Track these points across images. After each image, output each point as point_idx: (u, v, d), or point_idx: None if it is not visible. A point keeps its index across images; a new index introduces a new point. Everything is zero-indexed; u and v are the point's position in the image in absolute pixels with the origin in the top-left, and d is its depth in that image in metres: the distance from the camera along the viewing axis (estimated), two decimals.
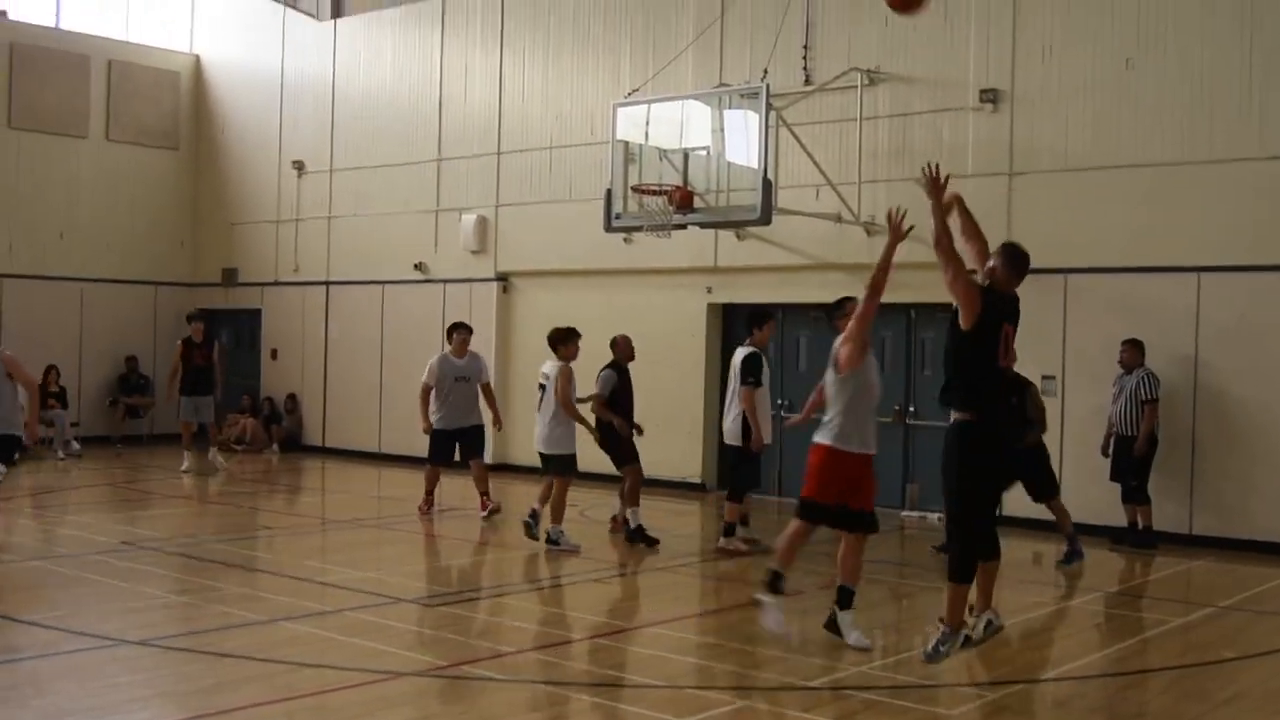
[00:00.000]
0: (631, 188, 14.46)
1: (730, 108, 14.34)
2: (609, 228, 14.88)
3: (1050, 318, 13.45)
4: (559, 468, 11.99)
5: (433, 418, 13.99)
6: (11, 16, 21.46)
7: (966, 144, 14.35)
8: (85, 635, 8.24)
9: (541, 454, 12.17)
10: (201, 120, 23.34)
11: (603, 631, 9.11)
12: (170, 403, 18.17)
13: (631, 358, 12.85)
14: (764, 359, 12.04)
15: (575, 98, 17.92)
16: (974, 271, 7.57)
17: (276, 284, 21.98)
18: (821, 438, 8.17)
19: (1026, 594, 10.21)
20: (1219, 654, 8.55)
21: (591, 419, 12.51)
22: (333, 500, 17.01)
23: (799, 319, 16.10)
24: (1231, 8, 12.82)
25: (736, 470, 12.19)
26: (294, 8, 21.85)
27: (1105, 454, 12.77)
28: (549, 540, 11.86)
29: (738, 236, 15.92)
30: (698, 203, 14.18)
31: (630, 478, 12.46)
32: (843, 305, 9.33)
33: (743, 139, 13.96)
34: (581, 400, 12.31)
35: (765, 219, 13.65)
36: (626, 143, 14.76)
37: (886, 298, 15.18)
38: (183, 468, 17.42)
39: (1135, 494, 12.56)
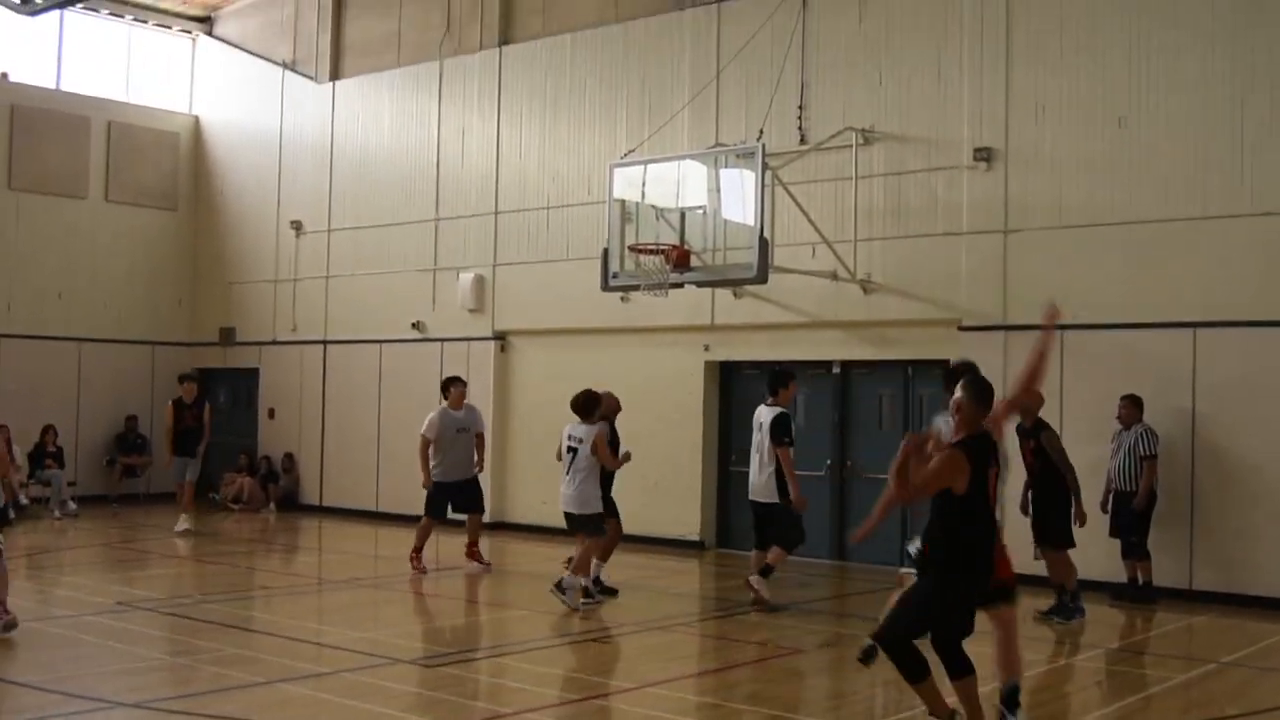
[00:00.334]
0: (628, 247, 14.51)
1: (726, 167, 14.42)
2: (606, 287, 14.92)
3: (1048, 374, 13.45)
4: (592, 527, 12.19)
5: (433, 471, 14.13)
6: (13, 79, 21.64)
7: (961, 202, 14.45)
8: (80, 698, 8.17)
9: (570, 514, 12.30)
10: (200, 181, 23.49)
11: (601, 692, 9.04)
12: (168, 465, 18.15)
13: (618, 411, 12.97)
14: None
15: (572, 158, 18.05)
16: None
17: (274, 343, 22.01)
18: None
19: (1026, 651, 10.13)
20: (1222, 711, 8.49)
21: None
22: (330, 560, 16.94)
23: (796, 376, 16.09)
24: (1222, 65, 12.95)
25: (783, 527, 12.16)
26: (293, 70, 22.05)
27: (1105, 510, 12.74)
28: (557, 587, 11.84)
29: (734, 295, 15.97)
30: (694, 261, 14.23)
31: (611, 531, 12.64)
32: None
33: (739, 198, 14.04)
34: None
35: (762, 277, 13.70)
36: (623, 202, 14.82)
37: (884, 355, 15.18)
38: (177, 528, 17.24)
39: (1135, 549, 12.54)
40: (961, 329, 14.34)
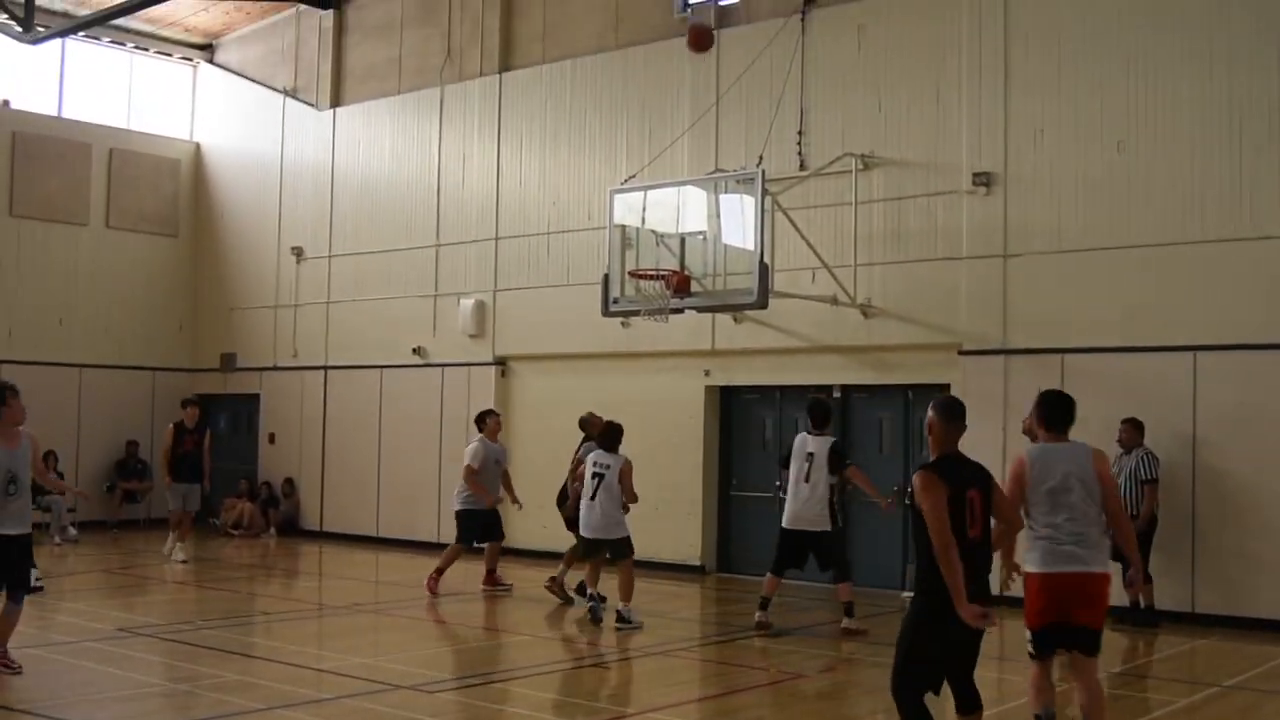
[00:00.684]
0: (629, 272, 14.54)
1: (726, 193, 14.47)
2: (607, 312, 14.93)
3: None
4: (621, 551, 12.56)
5: (468, 499, 14.49)
6: (14, 106, 21.73)
7: (961, 227, 14.49)
8: None
9: (594, 539, 12.66)
10: (201, 207, 23.55)
11: (603, 717, 9.02)
12: (168, 489, 18.05)
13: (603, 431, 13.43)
14: None
15: (572, 183, 18.10)
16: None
17: (275, 369, 22.02)
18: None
19: (1026, 674, 10.10)
20: None
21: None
22: (330, 585, 16.90)
23: (797, 401, 16.14)
24: (1221, 90, 13.01)
25: (839, 555, 12.28)
26: (294, 97, 22.13)
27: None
28: (620, 619, 12.22)
29: (735, 319, 16.00)
30: (695, 287, 14.25)
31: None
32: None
33: (739, 223, 14.08)
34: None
35: (762, 302, 13.72)
36: (624, 228, 14.85)
37: (884, 379, 15.22)
38: (173, 555, 16.96)
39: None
40: (961, 353, 14.35)
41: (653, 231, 14.64)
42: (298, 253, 21.67)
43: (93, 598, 14.70)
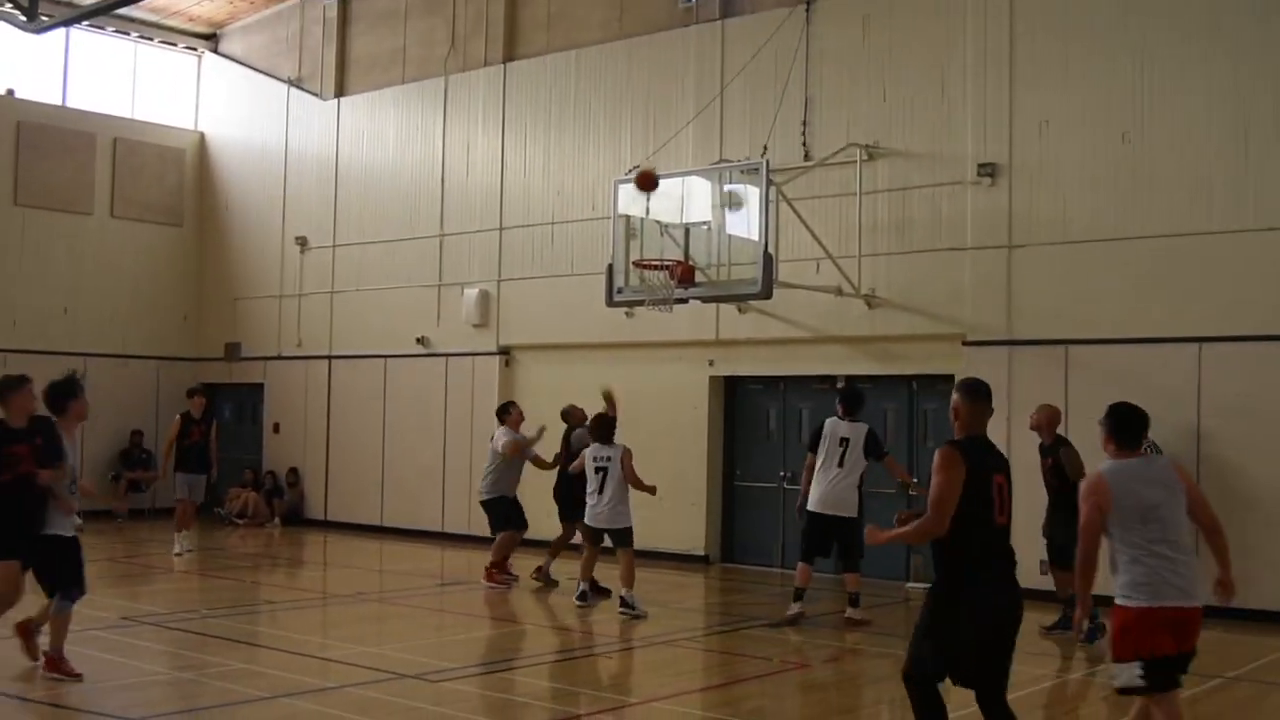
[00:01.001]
0: (633, 262, 14.53)
1: (731, 183, 14.47)
2: (611, 302, 14.93)
3: (1052, 389, 13.45)
4: (623, 539, 12.65)
5: (500, 486, 14.50)
6: (19, 95, 21.72)
7: (965, 217, 14.47)
8: (86, 712, 8.18)
9: (598, 529, 12.80)
10: (205, 197, 23.55)
11: (607, 707, 9.03)
12: (168, 478, 18.05)
13: (583, 422, 13.82)
14: None
15: (577, 173, 18.09)
16: None
17: (279, 358, 22.04)
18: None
19: (1034, 666, 10.13)
20: None
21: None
22: (335, 574, 16.93)
23: (801, 391, 16.16)
24: (1227, 81, 12.98)
25: (859, 545, 12.09)
26: (298, 86, 22.11)
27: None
28: (624, 604, 12.34)
29: (739, 310, 15.99)
30: (699, 277, 14.25)
31: (566, 532, 14.08)
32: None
33: (743, 214, 14.08)
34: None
35: (766, 293, 13.71)
36: (628, 218, 14.83)
37: (888, 370, 15.17)
38: (175, 550, 16.75)
39: None
40: (966, 344, 14.35)
41: (657, 221, 14.63)
42: (302, 242, 21.67)
43: (97, 586, 14.60)
